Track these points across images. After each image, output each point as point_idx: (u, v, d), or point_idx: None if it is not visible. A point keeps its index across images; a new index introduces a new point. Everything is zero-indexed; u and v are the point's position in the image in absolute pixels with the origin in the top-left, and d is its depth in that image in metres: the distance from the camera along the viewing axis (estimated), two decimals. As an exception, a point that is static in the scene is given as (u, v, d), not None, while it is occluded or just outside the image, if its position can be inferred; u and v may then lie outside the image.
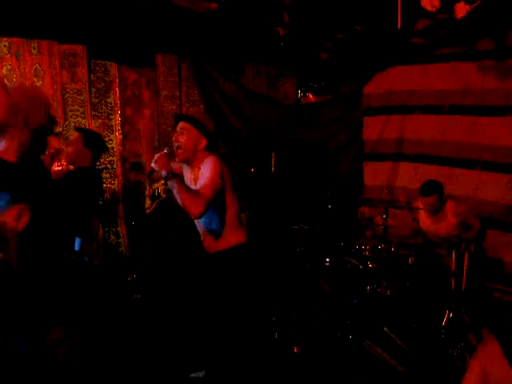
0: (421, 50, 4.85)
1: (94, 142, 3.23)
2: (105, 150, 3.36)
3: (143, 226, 5.18)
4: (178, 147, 2.58)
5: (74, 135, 3.20)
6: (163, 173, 2.39)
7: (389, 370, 2.99)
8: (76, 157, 3.19)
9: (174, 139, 2.62)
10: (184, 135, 2.58)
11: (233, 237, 2.69)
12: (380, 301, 3.59)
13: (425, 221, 4.14)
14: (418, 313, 3.44)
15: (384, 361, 3.03)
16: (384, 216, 3.88)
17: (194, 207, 2.36)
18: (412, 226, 4.27)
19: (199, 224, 2.75)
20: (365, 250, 3.94)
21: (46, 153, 3.27)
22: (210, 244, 2.72)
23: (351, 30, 4.94)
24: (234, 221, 2.69)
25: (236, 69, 5.68)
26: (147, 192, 4.12)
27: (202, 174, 2.51)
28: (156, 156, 2.44)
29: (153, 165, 2.43)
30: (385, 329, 3.20)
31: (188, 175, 2.75)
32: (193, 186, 2.58)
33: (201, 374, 3.11)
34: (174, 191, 2.40)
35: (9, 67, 4.33)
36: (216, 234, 2.67)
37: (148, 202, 4.10)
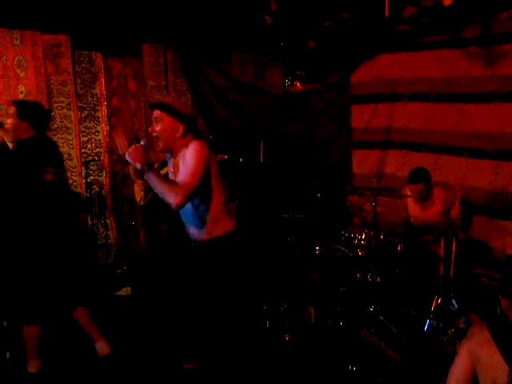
0: (408, 37, 4.84)
1: (29, 113, 3.02)
2: (45, 117, 3.13)
3: (134, 218, 5.16)
4: (156, 138, 2.49)
5: (11, 110, 3.06)
6: (138, 166, 2.29)
7: (385, 358, 3.02)
8: (14, 131, 3.06)
9: (150, 130, 2.52)
10: (159, 124, 2.47)
11: (222, 225, 2.62)
12: (370, 288, 3.62)
13: (413, 208, 4.17)
14: (408, 299, 3.48)
15: (380, 349, 3.05)
16: (373, 204, 3.90)
17: (172, 198, 2.28)
18: (400, 214, 4.30)
19: (185, 213, 2.65)
20: (354, 237, 3.96)
21: None
22: (198, 234, 2.65)
23: (338, 18, 4.92)
24: (222, 208, 2.61)
25: (223, 58, 5.63)
26: (138, 184, 4.07)
27: (185, 161, 2.42)
28: (130, 149, 2.33)
29: (127, 158, 2.32)
30: (380, 317, 3.23)
31: (171, 166, 2.65)
32: (177, 176, 2.48)
33: (193, 365, 3.12)
34: (152, 183, 2.32)
35: (-10, 58, 4.24)
36: (204, 223, 2.59)
37: (140, 194, 4.06)
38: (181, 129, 2.48)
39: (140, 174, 2.38)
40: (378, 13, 4.43)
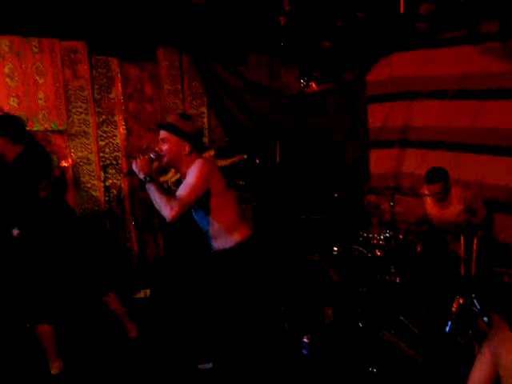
0: (424, 34, 4.79)
1: (5, 128, 3.02)
2: (21, 127, 3.12)
3: (152, 221, 5.20)
4: (163, 156, 2.59)
5: None
6: (141, 176, 2.44)
7: (405, 359, 2.98)
8: None
9: (157, 148, 2.62)
10: (165, 144, 2.57)
11: (233, 236, 2.65)
12: (389, 288, 3.58)
13: (431, 207, 4.12)
14: (428, 300, 3.44)
15: (401, 350, 3.02)
16: (391, 203, 3.86)
17: (167, 211, 2.36)
18: (419, 213, 4.25)
19: (201, 224, 2.73)
20: (372, 237, 3.93)
21: None
22: (212, 243, 2.73)
23: (353, 17, 4.88)
24: (232, 221, 2.66)
25: (238, 60, 5.64)
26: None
27: (187, 178, 2.52)
28: (137, 159, 2.49)
29: (133, 167, 2.48)
30: (401, 317, 3.19)
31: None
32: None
33: (208, 366, 3.14)
34: (151, 194, 2.43)
35: (11, 66, 4.32)
36: (214, 234, 2.67)
37: None
38: (187, 147, 2.58)
39: (142, 183, 2.49)
40: (394, 10, 4.39)
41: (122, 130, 5.03)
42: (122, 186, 5.05)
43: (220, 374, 2.90)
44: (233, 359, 2.79)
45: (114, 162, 4.98)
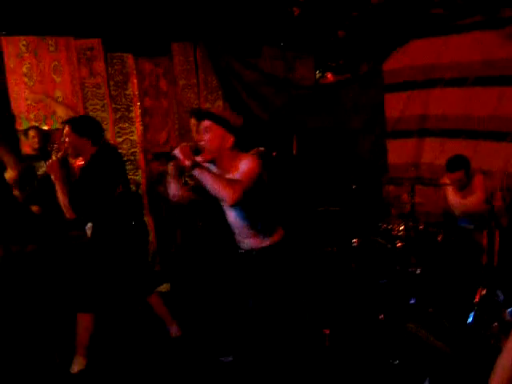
0: (442, 20, 4.69)
1: (85, 128, 3.12)
2: (99, 129, 3.22)
3: (170, 216, 5.23)
4: (203, 147, 2.40)
5: (65, 129, 3.16)
6: (187, 162, 2.24)
7: (431, 351, 2.94)
8: (74, 150, 3.16)
9: (197, 138, 2.46)
10: (208, 134, 2.39)
11: (274, 233, 2.58)
12: (410, 280, 3.55)
13: (453, 197, 4.05)
14: (450, 291, 3.39)
15: (429, 342, 2.97)
16: (411, 194, 3.81)
17: (228, 193, 2.22)
18: (440, 203, 4.18)
19: (235, 221, 2.58)
20: (392, 229, 3.88)
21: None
22: (249, 242, 2.59)
23: (368, 5, 4.81)
24: (271, 220, 2.59)
25: (253, 52, 5.61)
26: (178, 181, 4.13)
27: (243, 166, 2.37)
28: (180, 145, 2.30)
29: (176, 153, 2.27)
30: (429, 310, 3.15)
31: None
32: None
33: (229, 358, 3.16)
34: (203, 180, 2.26)
35: (28, 65, 4.38)
36: (254, 232, 2.55)
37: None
38: (230, 140, 2.41)
39: (181, 172, 2.39)
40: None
41: (138, 125, 5.06)
42: (140, 181, 5.09)
43: (242, 367, 2.91)
44: (257, 352, 2.78)
45: (132, 158, 5.02)
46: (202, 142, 2.40)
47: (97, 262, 3.18)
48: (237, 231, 2.60)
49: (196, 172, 2.27)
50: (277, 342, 2.68)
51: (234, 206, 2.33)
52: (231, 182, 2.27)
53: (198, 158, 2.35)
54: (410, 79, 5.11)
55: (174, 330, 3.60)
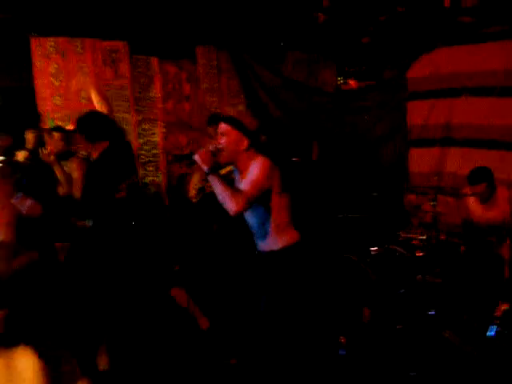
0: (469, 29, 4.63)
1: (81, 126, 3.10)
2: (96, 127, 3.11)
3: (188, 216, 5.25)
4: (220, 149, 2.53)
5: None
6: (204, 168, 2.40)
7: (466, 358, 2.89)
8: (84, 147, 3.18)
9: (215, 142, 2.57)
10: (224, 137, 2.53)
11: (283, 238, 2.62)
12: (430, 290, 3.49)
13: (475, 208, 3.97)
14: (471, 303, 3.32)
15: (465, 350, 2.92)
16: (433, 203, 3.74)
17: (232, 205, 2.34)
18: (462, 214, 4.11)
19: (251, 223, 2.68)
20: (412, 238, 3.83)
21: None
22: (262, 244, 2.67)
23: (393, 12, 4.78)
24: (288, 222, 2.63)
25: (276, 58, 5.63)
26: (194, 181, 4.16)
27: (249, 173, 2.48)
28: (200, 151, 2.44)
29: (196, 158, 2.43)
30: (464, 317, 3.10)
31: (236, 177, 2.69)
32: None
33: (236, 361, 3.16)
34: (214, 187, 2.41)
35: (56, 66, 4.47)
36: (266, 234, 2.62)
37: (192, 192, 4.14)
38: (245, 142, 2.52)
39: (204, 175, 2.47)
40: (436, 4, 4.27)
41: (160, 127, 5.11)
42: (161, 182, 5.13)
43: (250, 370, 2.90)
44: (268, 355, 2.77)
45: (153, 160, 5.07)
46: (219, 146, 2.53)
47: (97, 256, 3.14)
48: (251, 230, 2.69)
49: (210, 178, 2.42)
50: (283, 347, 2.68)
51: (239, 212, 2.39)
52: (236, 195, 2.37)
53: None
54: (435, 87, 5.06)
55: (203, 323, 3.63)
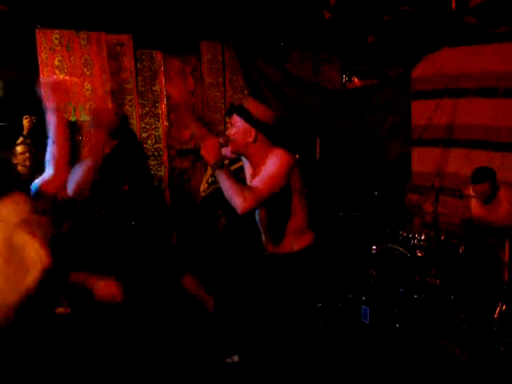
0: (474, 29, 4.61)
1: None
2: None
3: (191, 213, 5.26)
4: (230, 140, 2.36)
5: None
6: (211, 161, 2.20)
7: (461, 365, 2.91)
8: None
9: (226, 133, 2.42)
10: (233, 128, 2.36)
11: (300, 240, 2.46)
12: (429, 290, 3.50)
13: (477, 209, 3.99)
14: (469, 304, 3.34)
15: (462, 359, 2.94)
16: (434, 203, 3.75)
17: (239, 202, 2.12)
18: (463, 215, 4.12)
19: (263, 223, 2.52)
20: (413, 238, 3.84)
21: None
22: (275, 246, 2.50)
23: (399, 11, 4.76)
24: (302, 223, 2.46)
25: (281, 54, 5.61)
26: (205, 176, 4.17)
27: (265, 168, 2.25)
28: (205, 142, 2.24)
29: (202, 152, 2.23)
30: (463, 327, 3.12)
31: (248, 171, 2.51)
32: (252, 182, 2.34)
33: (235, 359, 3.14)
34: (221, 182, 2.21)
35: (60, 58, 4.47)
36: (281, 236, 2.44)
37: (204, 185, 4.14)
38: (253, 134, 2.31)
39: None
40: (442, 4, 4.26)
41: (164, 122, 5.11)
42: (163, 177, 5.14)
43: (249, 368, 2.89)
44: (263, 353, 2.76)
45: (156, 154, 5.07)
46: (229, 136, 2.37)
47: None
48: (262, 230, 2.55)
49: (216, 173, 2.23)
50: (284, 346, 2.64)
51: (247, 211, 2.18)
52: (245, 191, 2.16)
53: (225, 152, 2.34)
54: (439, 87, 5.05)
55: (210, 305, 3.60)
